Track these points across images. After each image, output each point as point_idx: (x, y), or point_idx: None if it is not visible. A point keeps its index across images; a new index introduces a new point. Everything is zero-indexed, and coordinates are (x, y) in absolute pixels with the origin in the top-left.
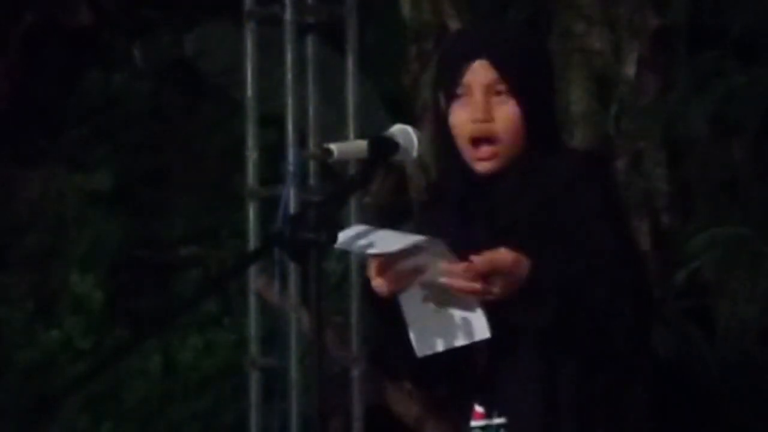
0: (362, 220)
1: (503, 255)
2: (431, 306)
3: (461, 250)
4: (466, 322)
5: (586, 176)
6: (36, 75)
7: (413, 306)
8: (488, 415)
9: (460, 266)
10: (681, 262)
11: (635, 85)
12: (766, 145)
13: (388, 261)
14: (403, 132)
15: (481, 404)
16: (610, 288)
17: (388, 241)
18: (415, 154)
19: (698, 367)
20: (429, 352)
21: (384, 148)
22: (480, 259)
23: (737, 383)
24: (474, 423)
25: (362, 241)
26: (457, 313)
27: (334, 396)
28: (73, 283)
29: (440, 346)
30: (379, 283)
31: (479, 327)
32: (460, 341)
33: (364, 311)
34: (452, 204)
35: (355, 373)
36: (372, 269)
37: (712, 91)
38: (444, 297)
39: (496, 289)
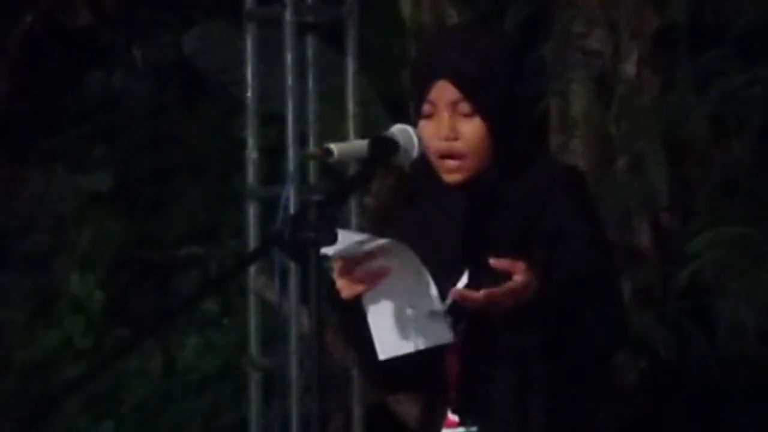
0: (362, 220)
1: (521, 275)
2: (394, 309)
3: (441, 258)
4: (430, 326)
5: (561, 189)
6: (36, 75)
7: (377, 308)
8: (462, 423)
9: (481, 293)
10: (681, 262)
11: (635, 85)
12: (766, 144)
13: (351, 262)
14: (403, 132)
15: (454, 412)
16: (595, 305)
17: (351, 242)
18: (415, 154)
19: (698, 367)
20: (392, 355)
21: (384, 148)
22: (502, 289)
23: (737, 383)
24: (445, 431)
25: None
26: (421, 317)
27: (334, 396)
28: (73, 282)
29: (403, 349)
30: (341, 285)
31: (442, 331)
32: (423, 344)
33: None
34: (428, 211)
35: (355, 373)
36: (336, 271)
37: (712, 91)
38: (407, 300)
39: (502, 308)
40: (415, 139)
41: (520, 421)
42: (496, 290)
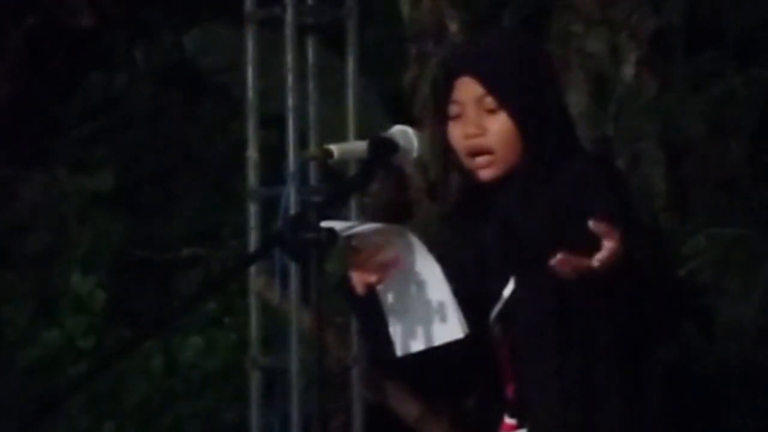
0: (362, 221)
1: (615, 242)
2: (409, 303)
3: (481, 258)
4: (442, 320)
5: (593, 180)
6: (37, 76)
7: (392, 303)
8: (520, 426)
9: (590, 261)
10: (680, 262)
11: (633, 85)
12: (764, 145)
13: (362, 257)
14: (403, 132)
15: (512, 416)
16: (639, 292)
17: (352, 229)
18: (415, 154)
19: (698, 367)
20: (408, 351)
21: (384, 149)
22: (605, 254)
23: (737, 383)
24: None
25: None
26: (433, 310)
27: (334, 396)
28: (75, 283)
29: (418, 346)
30: (355, 280)
31: (453, 325)
32: (436, 340)
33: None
34: (466, 212)
35: (355, 373)
36: (349, 266)
37: (710, 92)
38: (420, 291)
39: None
40: (415, 140)
41: (566, 419)
42: (602, 256)
